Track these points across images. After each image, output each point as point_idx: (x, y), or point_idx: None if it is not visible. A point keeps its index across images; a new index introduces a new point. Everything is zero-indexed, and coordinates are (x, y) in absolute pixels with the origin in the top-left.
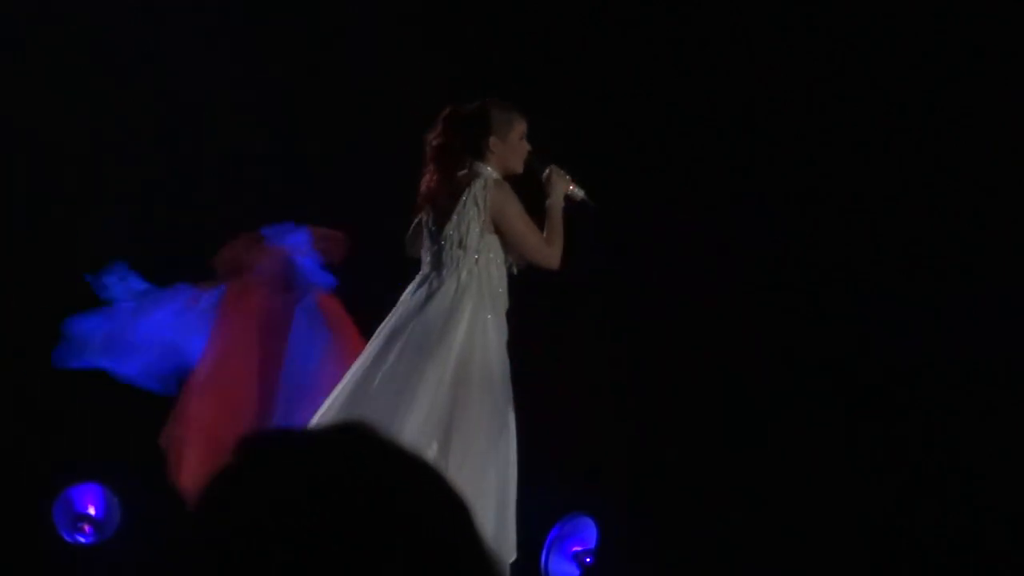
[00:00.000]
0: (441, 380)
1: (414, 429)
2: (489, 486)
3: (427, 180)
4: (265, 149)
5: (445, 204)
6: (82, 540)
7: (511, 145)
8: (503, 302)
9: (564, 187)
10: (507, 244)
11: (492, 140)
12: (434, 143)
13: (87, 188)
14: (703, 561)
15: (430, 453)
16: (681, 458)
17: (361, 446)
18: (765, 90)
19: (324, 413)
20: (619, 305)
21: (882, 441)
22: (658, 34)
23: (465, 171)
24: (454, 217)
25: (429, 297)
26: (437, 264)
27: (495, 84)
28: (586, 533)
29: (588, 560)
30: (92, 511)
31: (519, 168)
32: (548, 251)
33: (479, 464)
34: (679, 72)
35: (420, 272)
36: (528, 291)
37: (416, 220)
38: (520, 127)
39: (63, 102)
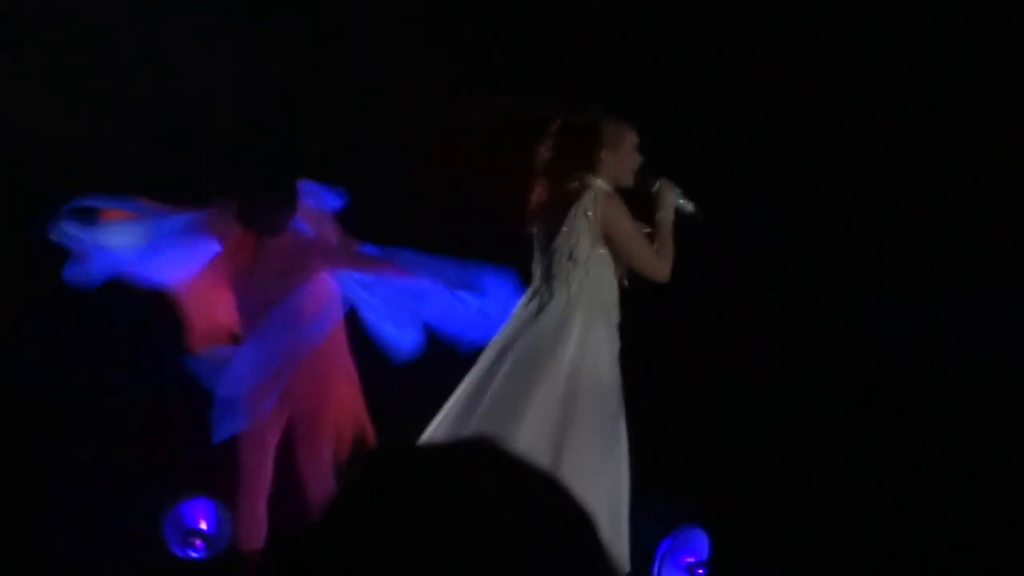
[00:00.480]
0: (551, 394)
1: (524, 443)
2: (601, 499)
3: (537, 193)
4: (265, 149)
5: (555, 217)
6: (194, 555)
7: (623, 157)
8: (614, 315)
9: (674, 200)
10: (617, 257)
11: (604, 152)
12: (544, 156)
13: (87, 188)
14: (817, 570)
15: (546, 459)
16: (791, 466)
17: (484, 461)
18: (765, 90)
19: (436, 427)
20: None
21: (882, 441)
22: (658, 34)
23: (575, 184)
24: (564, 230)
25: (539, 311)
26: (547, 277)
27: (495, 84)
28: (698, 544)
29: (700, 572)
30: (204, 526)
31: (630, 181)
32: (659, 264)
33: (591, 477)
34: (679, 72)
35: (531, 286)
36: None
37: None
38: (632, 139)
39: (63, 102)
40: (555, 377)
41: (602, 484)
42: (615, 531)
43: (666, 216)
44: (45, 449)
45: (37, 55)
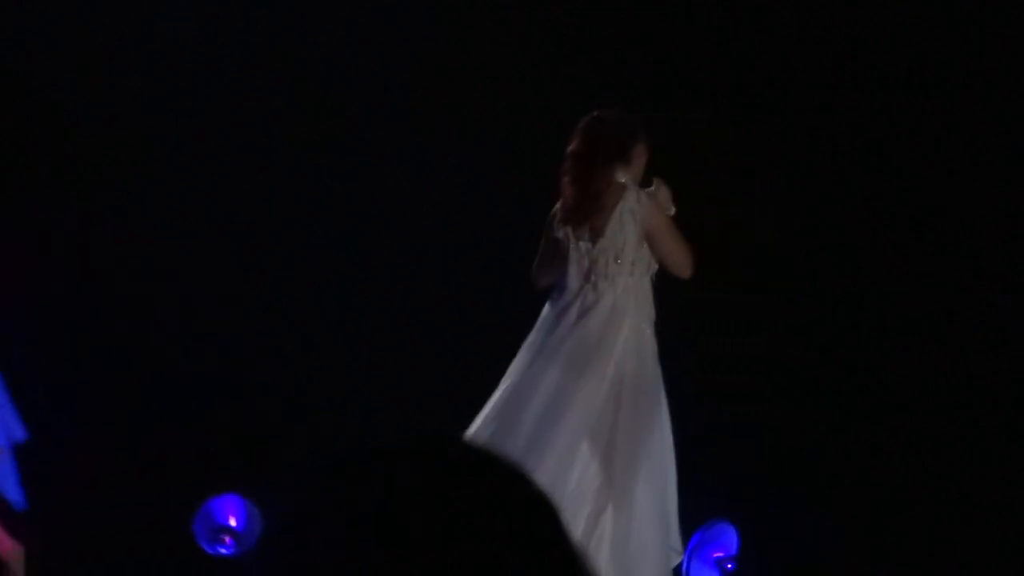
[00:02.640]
0: (598, 392)
1: (568, 441)
2: (651, 492)
3: (568, 194)
4: (265, 149)
5: (595, 218)
6: (223, 551)
7: (645, 154)
8: (653, 313)
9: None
10: (655, 254)
11: (639, 148)
12: (579, 150)
13: (87, 190)
14: (843, 565)
15: (590, 465)
16: (816, 459)
17: (441, 454)
18: (765, 89)
19: (479, 428)
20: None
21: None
22: (658, 33)
23: (606, 181)
24: (609, 231)
25: (584, 312)
26: (589, 279)
27: (497, 82)
28: (727, 539)
29: (729, 566)
30: (233, 522)
31: (640, 178)
32: (688, 259)
33: (641, 472)
34: (678, 71)
35: (564, 288)
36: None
37: (547, 241)
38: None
39: (63, 101)
40: (602, 377)
41: (652, 477)
42: (667, 521)
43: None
44: (76, 446)
45: (36, 54)
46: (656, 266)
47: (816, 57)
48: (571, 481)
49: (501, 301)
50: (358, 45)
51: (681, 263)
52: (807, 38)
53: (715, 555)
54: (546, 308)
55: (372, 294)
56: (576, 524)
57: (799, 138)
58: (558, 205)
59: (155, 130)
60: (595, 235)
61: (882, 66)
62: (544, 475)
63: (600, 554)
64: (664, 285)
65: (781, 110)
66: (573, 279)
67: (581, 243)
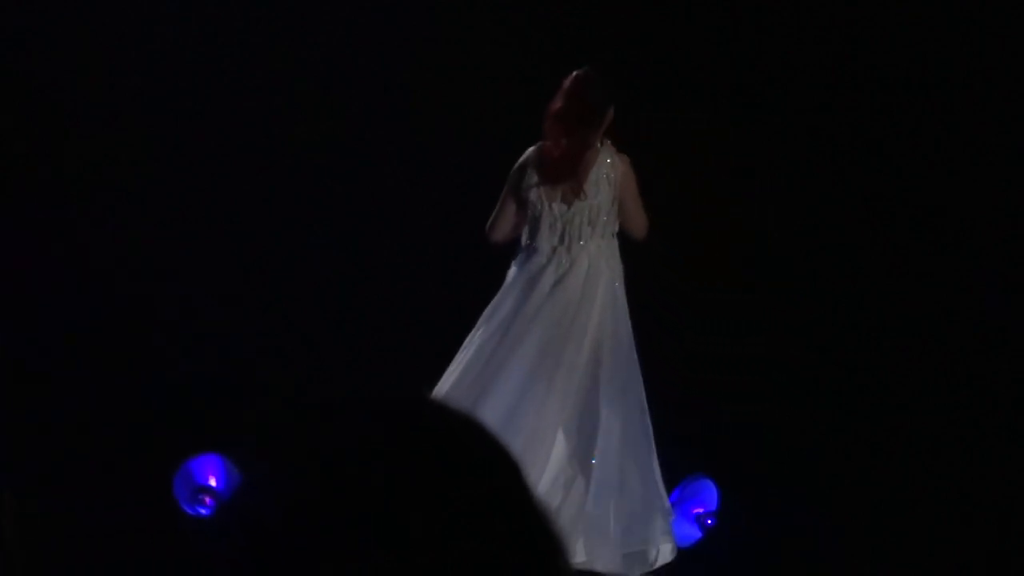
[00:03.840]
0: (581, 354)
1: (556, 404)
2: (637, 449)
3: (549, 154)
4: (265, 149)
5: (568, 180)
6: (203, 512)
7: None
8: (622, 268)
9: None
10: (621, 216)
11: (612, 111)
12: (562, 113)
13: (87, 190)
14: (825, 523)
15: (576, 425)
16: (816, 459)
17: (442, 453)
18: (765, 89)
19: (450, 391)
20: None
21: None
22: (658, 33)
23: (584, 146)
24: (583, 195)
25: (561, 276)
26: (564, 240)
27: (497, 82)
28: (707, 495)
29: (709, 522)
30: (213, 483)
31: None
32: (646, 222)
33: (625, 430)
34: (678, 71)
35: (535, 250)
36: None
37: (511, 199)
38: None
39: (63, 101)
40: (582, 338)
41: (639, 436)
42: (654, 473)
43: None
44: (53, 406)
45: (36, 54)
46: (618, 226)
47: (816, 57)
48: (559, 442)
49: None
50: (358, 45)
51: (642, 225)
52: (807, 38)
53: (695, 511)
54: (513, 270)
55: (372, 294)
56: (567, 487)
57: (799, 138)
58: (521, 160)
59: (155, 130)
60: (570, 198)
61: (882, 66)
62: (534, 439)
63: (591, 516)
64: (665, 285)
65: (781, 110)
66: (545, 241)
67: (554, 205)
